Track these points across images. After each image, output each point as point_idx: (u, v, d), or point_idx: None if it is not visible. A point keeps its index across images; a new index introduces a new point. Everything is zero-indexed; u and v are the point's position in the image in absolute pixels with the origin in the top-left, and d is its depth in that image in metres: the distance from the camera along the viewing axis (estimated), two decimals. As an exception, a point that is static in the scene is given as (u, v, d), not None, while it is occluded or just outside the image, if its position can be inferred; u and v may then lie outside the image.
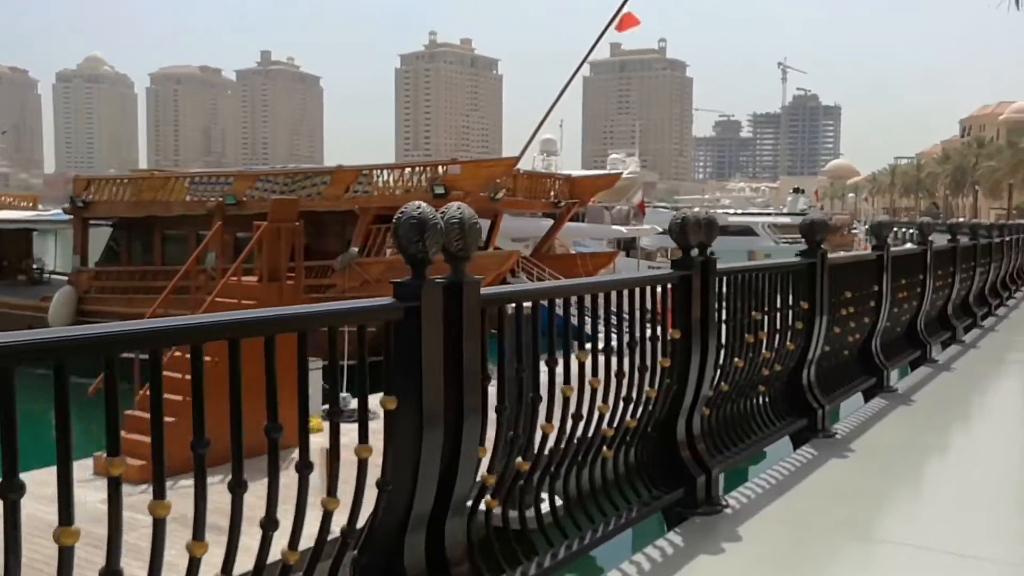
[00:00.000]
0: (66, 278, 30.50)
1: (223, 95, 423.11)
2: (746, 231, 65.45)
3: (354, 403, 10.28)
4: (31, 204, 43.21)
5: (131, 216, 29.13)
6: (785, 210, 79.93)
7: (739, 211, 78.82)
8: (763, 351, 6.05)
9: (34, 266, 34.76)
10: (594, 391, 4.20)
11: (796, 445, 6.71)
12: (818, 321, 6.78)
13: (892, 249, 8.73)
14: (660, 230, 48.59)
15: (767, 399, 6.39)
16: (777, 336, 6.26)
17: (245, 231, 26.75)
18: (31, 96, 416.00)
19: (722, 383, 5.53)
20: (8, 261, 34.51)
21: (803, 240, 6.79)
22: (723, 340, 5.44)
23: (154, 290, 25.72)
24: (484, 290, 3.37)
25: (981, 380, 10.19)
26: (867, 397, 8.32)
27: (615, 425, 4.48)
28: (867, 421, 7.55)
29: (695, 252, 5.01)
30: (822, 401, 6.99)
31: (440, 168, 25.24)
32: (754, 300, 5.84)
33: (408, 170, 26.14)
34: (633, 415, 4.63)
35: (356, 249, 24.55)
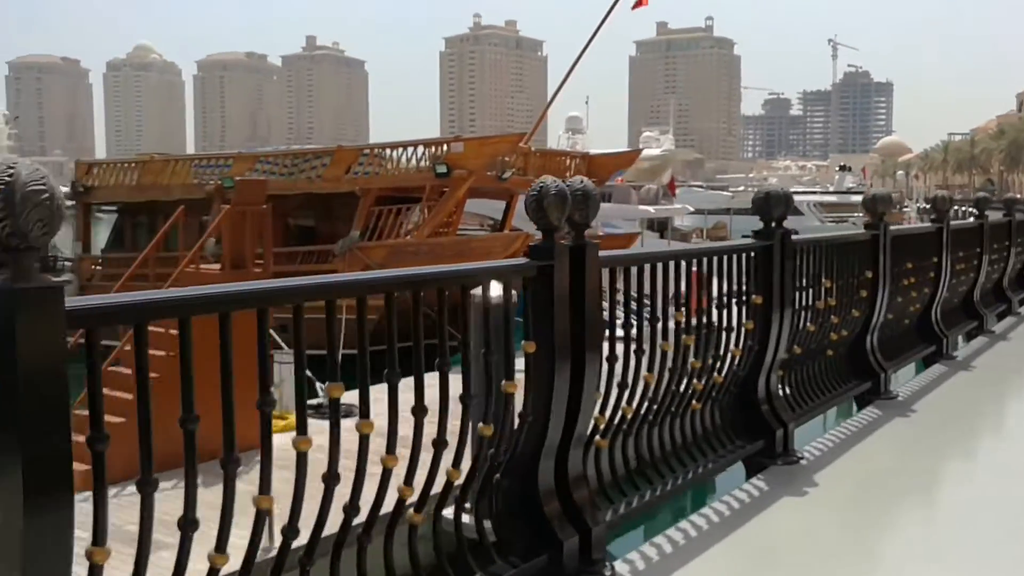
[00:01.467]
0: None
1: (269, 80, 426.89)
2: (791, 211, 64.63)
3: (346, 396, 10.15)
4: None
5: (133, 201, 28.21)
6: (831, 188, 79.19)
7: (784, 190, 77.99)
8: (832, 317, 6.51)
9: (48, 254, 34.39)
10: (687, 348, 4.71)
11: (860, 406, 7.16)
12: (881, 290, 7.21)
13: (952, 223, 9.10)
14: (691, 210, 47.86)
15: (834, 363, 6.84)
16: (844, 303, 6.71)
17: None
18: (82, 85, 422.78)
19: (796, 346, 6.00)
20: None
21: (866, 214, 7.23)
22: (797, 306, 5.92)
23: (157, 278, 25.92)
24: (602, 253, 3.88)
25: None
26: (927, 364, 8.72)
27: (704, 380, 4.98)
28: (928, 385, 7.96)
29: (773, 224, 5.48)
30: (884, 365, 7.43)
31: (443, 146, 23.85)
32: (824, 269, 6.30)
33: (410, 149, 24.71)
34: (719, 372, 5.13)
35: (357, 233, 23.21)
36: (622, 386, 4.23)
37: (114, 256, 27.98)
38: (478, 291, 4.18)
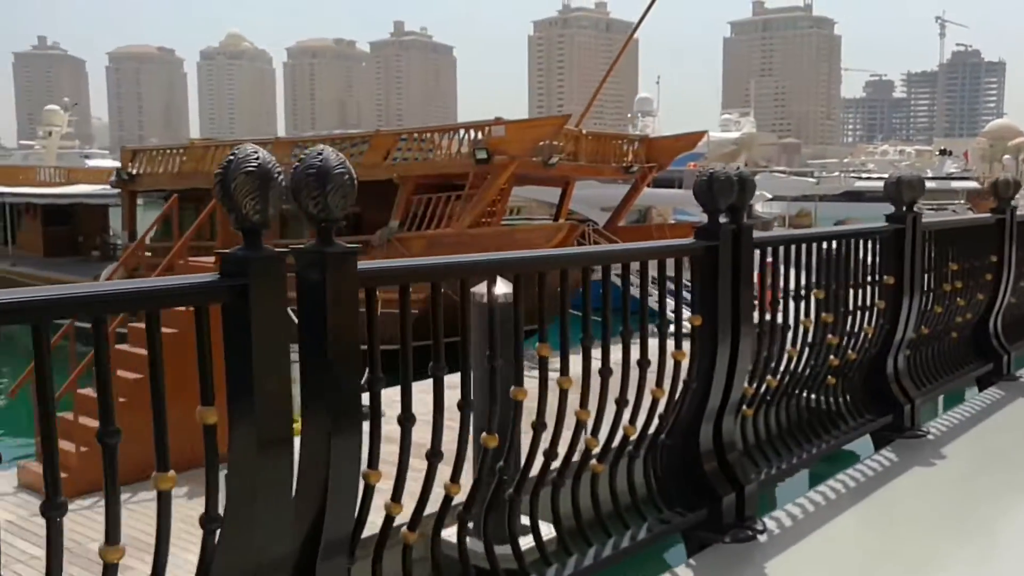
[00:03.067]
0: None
1: (357, 67, 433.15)
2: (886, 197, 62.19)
3: (364, 398, 10.30)
4: None
5: (176, 188, 26.06)
6: (930, 174, 77.01)
7: (881, 175, 75.79)
8: (958, 299, 6.71)
9: (109, 241, 32.63)
10: (825, 325, 5.01)
11: (982, 387, 7.32)
12: (1006, 273, 7.35)
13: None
14: (769, 196, 46.59)
15: (959, 344, 7.03)
16: (970, 286, 6.89)
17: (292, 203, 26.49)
18: (177, 74, 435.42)
19: (923, 326, 6.23)
20: (84, 236, 32.61)
21: (995, 200, 7.37)
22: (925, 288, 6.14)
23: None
24: (757, 234, 4.21)
25: None
26: (982, 386, 8.78)
27: (839, 357, 5.26)
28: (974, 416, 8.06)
29: (904, 208, 5.71)
30: (1008, 348, 7.56)
31: (484, 130, 22.14)
32: (952, 253, 6.51)
33: (449, 133, 23.07)
34: (854, 348, 5.40)
35: (396, 223, 22.07)
36: (768, 360, 4.55)
37: (159, 245, 26.07)
38: (480, 289, 4.28)
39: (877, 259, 5.65)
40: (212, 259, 13.73)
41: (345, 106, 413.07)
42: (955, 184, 60.90)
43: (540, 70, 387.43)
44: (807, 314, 4.83)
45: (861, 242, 5.35)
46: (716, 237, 3.98)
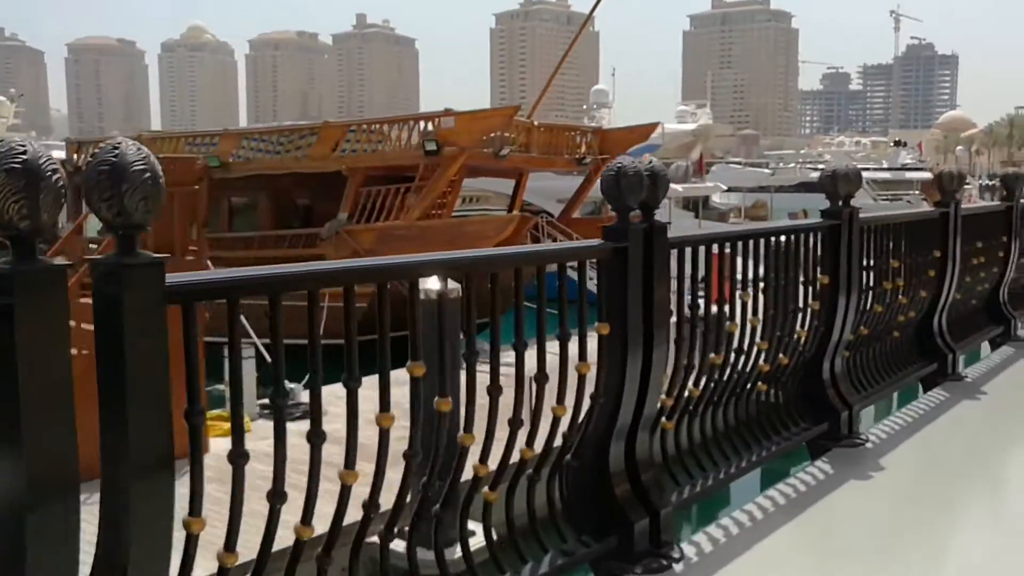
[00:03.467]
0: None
1: (320, 59, 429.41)
2: None
3: (304, 396, 10.27)
4: None
5: None
6: (885, 165, 77.15)
7: (853, 167, 75.67)
8: (899, 297, 6.41)
9: (59, 235, 31.58)
10: (754, 329, 4.67)
11: (926, 388, 7.05)
12: (950, 270, 7.08)
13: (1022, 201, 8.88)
14: (724, 188, 46.25)
15: (901, 344, 6.74)
16: (912, 283, 6.60)
17: (240, 195, 24.39)
18: (138, 66, 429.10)
19: (862, 327, 5.92)
20: None
21: (937, 192, 7.09)
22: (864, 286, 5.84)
23: None
24: (671, 235, 3.85)
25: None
26: (994, 346, 8.55)
27: (770, 361, 4.93)
28: (996, 367, 7.80)
29: (840, 203, 5.39)
30: (953, 347, 7.29)
31: (433, 121, 22.18)
32: (892, 249, 6.20)
33: (398, 125, 23.18)
34: (785, 353, 5.07)
35: (344, 215, 22.03)
36: (688, 368, 4.20)
37: (103, 239, 25.87)
38: (430, 283, 3.99)
39: (811, 257, 5.34)
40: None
41: (307, 98, 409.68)
42: (909, 175, 61.18)
43: (502, 63, 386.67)
44: (731, 318, 4.48)
45: (793, 239, 5.02)
46: (625, 238, 3.61)
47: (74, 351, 2.05)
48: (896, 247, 6.30)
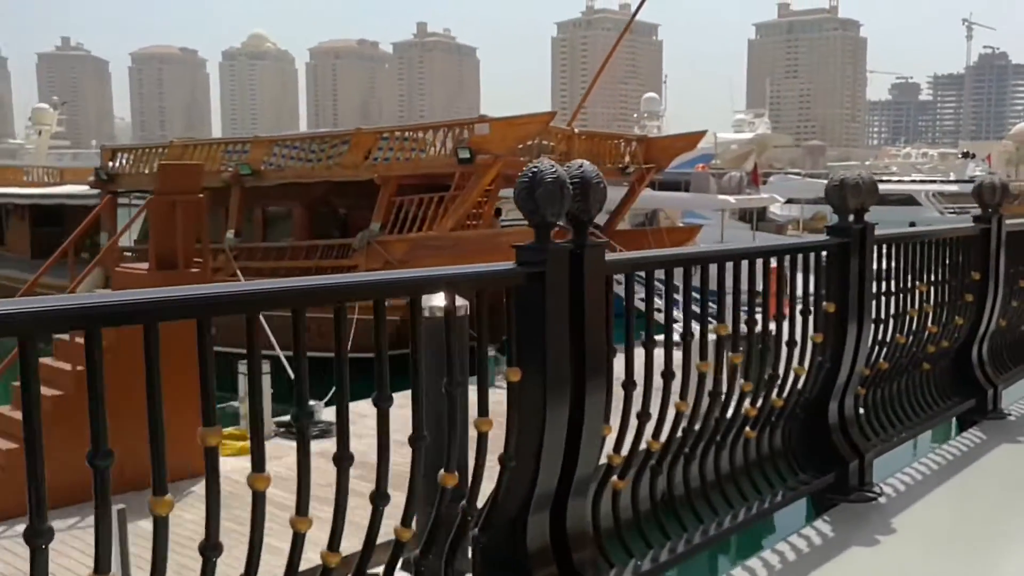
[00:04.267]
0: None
1: (380, 68, 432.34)
2: (907, 200, 60.20)
3: (325, 413, 9.91)
4: None
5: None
6: (953, 177, 74.81)
7: (903, 178, 73.79)
8: (929, 325, 5.59)
9: (99, 243, 29.60)
10: (734, 367, 3.92)
11: (962, 427, 6.20)
12: (991, 293, 6.22)
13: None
14: (781, 200, 44.94)
15: (931, 377, 5.91)
16: (945, 309, 5.78)
17: (275, 204, 23.77)
18: (200, 75, 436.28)
19: (882, 360, 5.13)
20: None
21: (979, 206, 6.24)
22: (883, 314, 5.04)
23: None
24: (609, 257, 3.13)
25: None
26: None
27: (759, 405, 4.18)
28: (1045, 403, 6.92)
29: (851, 218, 4.61)
30: (994, 379, 6.44)
31: (468, 129, 21.22)
32: (919, 270, 5.39)
33: (431, 132, 22.22)
34: (780, 394, 4.31)
35: (377, 225, 21.25)
36: (642, 417, 3.47)
37: (143, 248, 24.90)
38: (437, 301, 3.42)
39: (817, 280, 4.57)
40: (145, 265, 13.27)
41: (368, 107, 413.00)
42: (978, 187, 59.16)
43: (563, 71, 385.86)
44: (703, 357, 3.73)
45: (788, 261, 4.25)
46: (542, 262, 2.90)
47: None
48: (924, 268, 5.47)
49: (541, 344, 2.91)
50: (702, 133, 31.29)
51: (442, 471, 2.76)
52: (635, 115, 52.55)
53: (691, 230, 30.02)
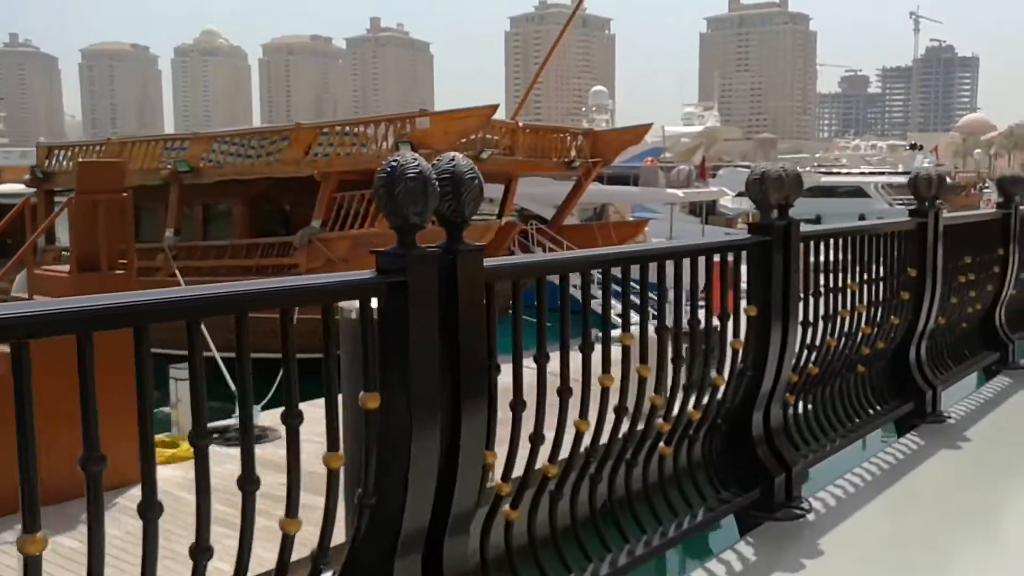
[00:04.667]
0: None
1: (334, 64, 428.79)
2: (857, 192, 60.42)
3: (262, 418, 9.45)
4: None
5: None
6: (901, 169, 75.39)
7: (852, 170, 74.26)
8: (863, 326, 5.30)
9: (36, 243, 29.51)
10: (642, 380, 3.57)
11: (901, 432, 5.93)
12: (930, 290, 5.94)
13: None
14: (730, 193, 44.83)
15: (866, 381, 5.61)
16: (879, 309, 5.48)
17: (215, 201, 23.41)
18: (152, 71, 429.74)
19: (812, 365, 4.82)
20: (11, 237, 28.43)
21: (917, 200, 5.96)
22: (811, 317, 4.73)
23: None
24: (490, 261, 2.76)
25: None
26: (989, 375, 7.41)
27: (672, 418, 3.84)
28: (989, 402, 6.67)
29: (774, 214, 4.28)
30: (933, 381, 6.17)
31: (409, 123, 20.89)
32: (850, 267, 5.08)
33: (372, 126, 21.89)
34: (697, 406, 3.98)
35: (317, 223, 20.83)
36: (534, 439, 3.10)
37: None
38: (351, 305, 3.09)
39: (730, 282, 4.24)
40: (66, 268, 12.67)
41: (322, 103, 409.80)
42: (926, 179, 59.65)
43: (516, 66, 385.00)
44: (606, 370, 3.37)
45: (688, 263, 3.89)
46: (403, 270, 2.52)
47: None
48: (855, 265, 5.17)
49: (404, 363, 2.53)
50: (648, 126, 31.11)
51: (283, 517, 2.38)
52: (583, 108, 52.15)
53: (638, 224, 29.74)
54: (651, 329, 3.64)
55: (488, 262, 2.78)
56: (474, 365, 2.70)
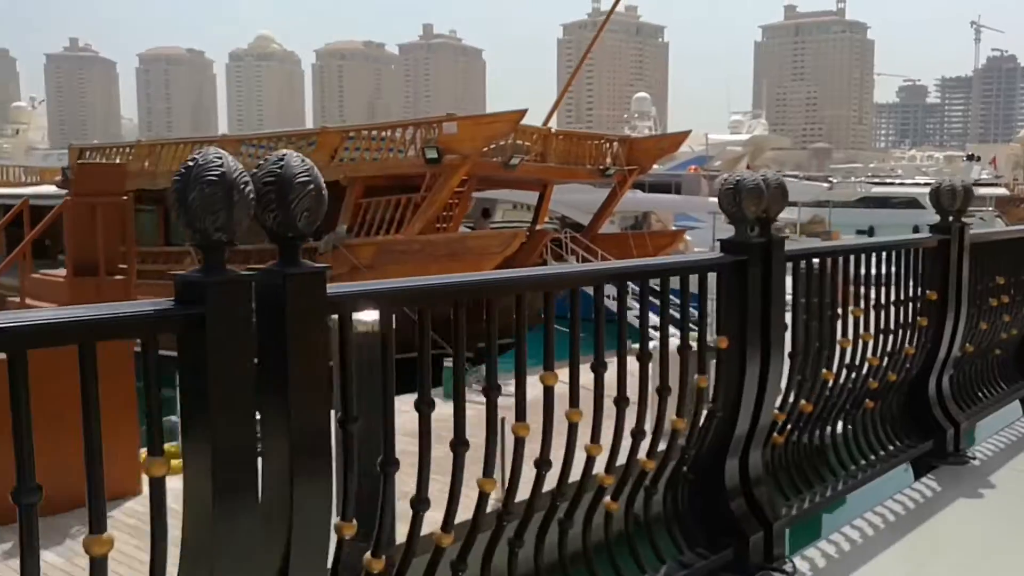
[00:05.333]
0: None
1: (387, 69, 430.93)
2: (911, 203, 58.84)
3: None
4: None
5: (128, 189, 25.14)
6: (960, 179, 73.10)
7: (906, 180, 72.57)
8: (868, 358, 4.64)
9: None
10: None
11: (918, 474, 5.23)
12: (952, 315, 5.26)
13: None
14: None
15: (877, 418, 4.94)
16: (893, 336, 4.82)
17: None
18: (207, 76, 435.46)
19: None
20: (51, 240, 33.43)
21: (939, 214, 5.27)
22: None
23: (151, 274, 23.64)
24: (351, 286, 2.19)
25: None
26: (1024, 408, 6.67)
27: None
28: (1019, 442, 5.94)
29: (755, 230, 3.65)
30: (956, 417, 5.47)
31: (436, 128, 20.27)
32: (854, 291, 4.45)
33: (400, 130, 21.32)
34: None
35: (343, 228, 20.39)
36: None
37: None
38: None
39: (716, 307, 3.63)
40: (63, 273, 12.31)
41: (374, 108, 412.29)
42: (983, 191, 58.02)
43: (569, 72, 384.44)
44: (547, 414, 2.78)
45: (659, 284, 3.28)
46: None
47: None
48: (859, 288, 4.51)
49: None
50: (686, 133, 30.54)
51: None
52: (625, 115, 51.34)
53: (675, 233, 28.98)
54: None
55: (340, 287, 2.21)
56: (310, 420, 2.13)
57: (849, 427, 4.72)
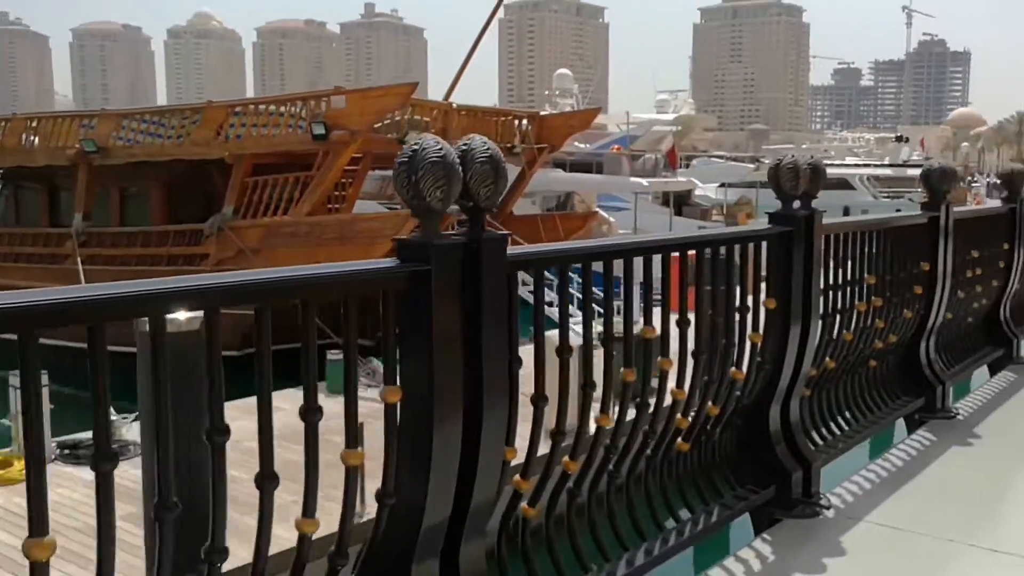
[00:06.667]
0: None
1: (328, 48, 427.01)
2: (841, 184, 59.56)
3: (129, 433, 8.64)
4: None
5: (13, 167, 23.69)
6: (887, 161, 74.55)
7: (835, 161, 73.48)
8: (876, 321, 5.20)
9: None
10: (663, 373, 3.47)
11: (911, 429, 5.84)
12: (941, 284, 5.86)
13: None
14: (701, 184, 42.84)
15: (877, 377, 5.53)
16: (893, 303, 5.39)
17: (130, 185, 21.94)
18: (144, 53, 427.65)
19: (828, 359, 4.73)
20: None
21: (925, 192, 5.86)
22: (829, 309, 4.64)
23: (33, 257, 21.53)
24: (513, 250, 2.65)
25: None
26: (993, 371, 7.33)
27: (692, 415, 3.74)
28: (995, 398, 6.57)
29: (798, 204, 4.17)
30: (943, 376, 6.08)
31: (325, 102, 19.30)
32: (868, 262, 4.99)
33: (288, 105, 20.42)
34: (716, 401, 3.87)
35: (230, 209, 19.39)
36: (556, 435, 2.98)
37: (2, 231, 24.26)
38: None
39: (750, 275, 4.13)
40: None
41: (315, 87, 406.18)
42: (911, 172, 59.36)
43: (510, 54, 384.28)
44: (627, 364, 3.26)
45: (725, 250, 3.78)
46: (428, 259, 2.39)
47: None
48: (873, 259, 5.07)
49: (427, 357, 2.42)
50: (596, 110, 29.80)
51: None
52: (546, 92, 50.04)
53: (585, 216, 27.67)
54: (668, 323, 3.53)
55: (511, 250, 2.67)
56: (496, 358, 2.59)
57: (859, 384, 5.29)
